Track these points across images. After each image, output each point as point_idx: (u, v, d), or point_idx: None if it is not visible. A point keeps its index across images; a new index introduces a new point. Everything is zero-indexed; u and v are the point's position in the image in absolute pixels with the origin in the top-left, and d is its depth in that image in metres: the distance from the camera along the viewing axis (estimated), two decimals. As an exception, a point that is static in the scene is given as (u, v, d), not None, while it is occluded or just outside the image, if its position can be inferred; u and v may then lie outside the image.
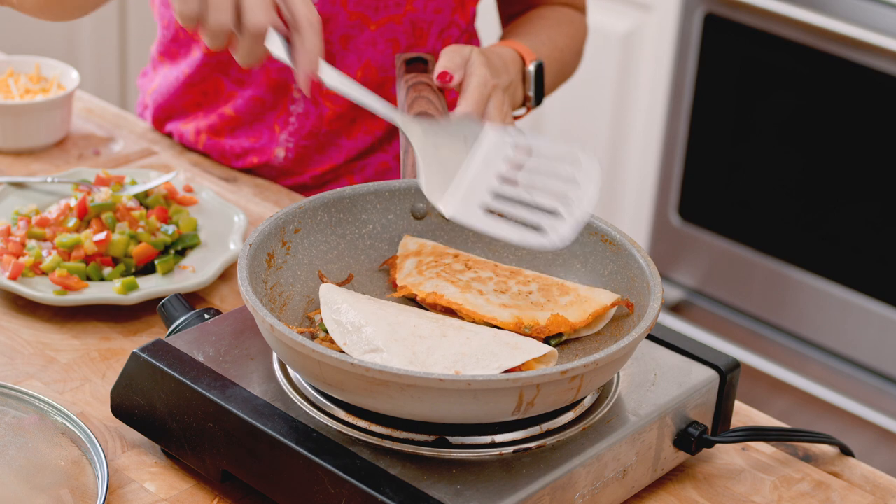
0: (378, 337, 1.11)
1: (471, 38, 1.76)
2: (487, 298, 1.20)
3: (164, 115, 1.78)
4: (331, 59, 1.65)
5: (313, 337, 1.17)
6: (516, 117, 1.63)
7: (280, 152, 1.71)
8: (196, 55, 1.71)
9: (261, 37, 1.17)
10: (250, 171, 1.73)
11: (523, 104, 1.60)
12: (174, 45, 1.74)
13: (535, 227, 1.16)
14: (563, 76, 1.74)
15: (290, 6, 1.17)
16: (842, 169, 2.71)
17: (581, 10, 1.79)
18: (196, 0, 1.15)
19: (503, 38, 1.71)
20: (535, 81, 1.57)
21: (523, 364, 1.10)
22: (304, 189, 1.74)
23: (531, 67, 1.56)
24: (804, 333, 2.86)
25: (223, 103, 1.73)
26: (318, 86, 1.66)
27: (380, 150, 1.73)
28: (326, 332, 1.16)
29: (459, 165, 1.21)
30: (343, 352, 1.11)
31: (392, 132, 1.72)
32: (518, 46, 1.59)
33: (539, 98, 1.59)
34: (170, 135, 1.78)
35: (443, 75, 1.45)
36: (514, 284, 1.22)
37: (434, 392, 1.03)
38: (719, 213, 2.92)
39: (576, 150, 1.19)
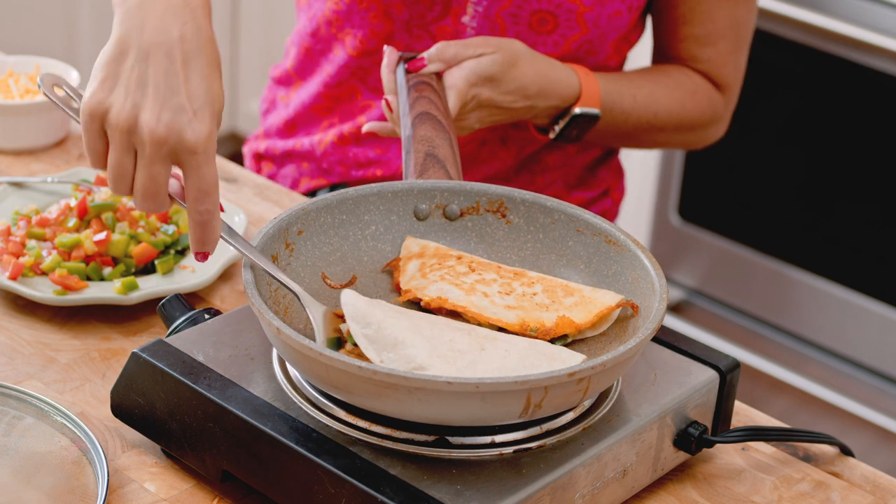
0: (419, 355, 1.09)
1: None
2: (492, 300, 1.20)
3: (289, 129, 1.77)
4: None
5: (341, 345, 1.16)
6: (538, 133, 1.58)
7: None
8: (340, 55, 1.68)
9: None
10: (370, 182, 1.69)
11: (542, 129, 1.56)
12: (317, 47, 1.71)
13: None
14: (646, 139, 1.63)
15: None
16: (842, 169, 2.71)
17: (721, 85, 1.66)
18: (100, 161, 1.13)
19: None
20: (567, 125, 1.52)
21: None
22: None
23: (577, 111, 1.51)
24: (804, 333, 2.86)
25: (358, 112, 1.70)
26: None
27: (504, 181, 1.71)
28: (355, 344, 1.14)
29: None
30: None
31: (519, 170, 1.70)
32: (589, 82, 1.53)
33: (565, 139, 1.54)
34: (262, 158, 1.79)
35: (417, 62, 1.45)
36: (518, 286, 1.22)
37: (442, 395, 1.03)
38: (719, 213, 2.92)
39: None
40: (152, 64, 1.11)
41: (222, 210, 1.16)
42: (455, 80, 1.45)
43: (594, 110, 1.53)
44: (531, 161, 1.71)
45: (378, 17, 1.62)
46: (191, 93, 1.11)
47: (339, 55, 1.68)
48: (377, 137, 1.70)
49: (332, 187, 1.74)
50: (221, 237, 1.15)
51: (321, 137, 1.74)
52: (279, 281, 1.16)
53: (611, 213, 1.81)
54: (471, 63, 1.46)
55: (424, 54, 1.47)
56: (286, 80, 1.79)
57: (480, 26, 1.59)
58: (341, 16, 1.65)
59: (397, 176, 1.70)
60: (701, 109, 1.64)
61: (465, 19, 1.59)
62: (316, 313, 1.15)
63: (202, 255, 1.14)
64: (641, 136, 1.62)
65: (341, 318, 1.17)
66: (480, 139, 1.67)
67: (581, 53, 1.61)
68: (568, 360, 1.11)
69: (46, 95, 1.19)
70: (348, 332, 1.15)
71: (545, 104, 1.51)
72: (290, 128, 1.78)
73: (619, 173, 1.82)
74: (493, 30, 1.59)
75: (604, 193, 1.79)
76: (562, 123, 1.53)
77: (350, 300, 1.13)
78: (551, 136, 1.55)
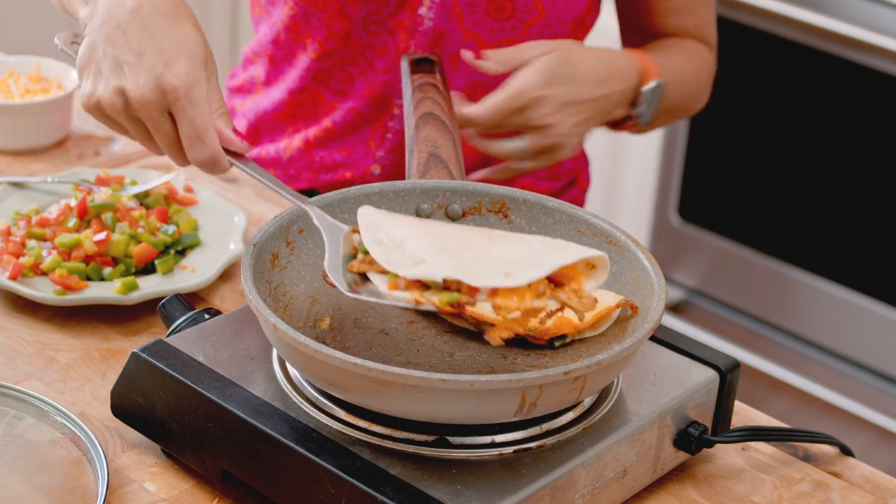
0: (422, 249, 1.09)
1: None
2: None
3: (251, 138, 1.77)
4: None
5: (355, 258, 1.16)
6: (620, 126, 1.60)
7: (376, 169, 1.69)
8: (302, 59, 1.68)
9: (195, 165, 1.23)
10: (340, 185, 1.70)
11: (623, 121, 1.56)
12: (279, 55, 1.72)
13: None
14: (683, 108, 1.67)
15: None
16: (842, 169, 2.71)
17: (710, 46, 1.72)
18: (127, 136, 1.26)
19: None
20: (648, 101, 1.52)
21: (560, 318, 1.10)
22: None
23: (649, 86, 1.52)
24: (804, 333, 2.86)
25: (323, 115, 1.70)
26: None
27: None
28: (366, 252, 1.14)
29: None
30: (387, 272, 1.10)
31: (487, 162, 1.71)
32: (644, 59, 1.54)
33: (646, 121, 1.55)
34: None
35: (478, 54, 1.47)
36: None
37: (436, 392, 1.03)
38: (719, 213, 2.92)
39: None
40: (116, 44, 1.21)
41: (240, 140, 1.22)
42: (528, 80, 1.46)
43: (658, 81, 1.54)
44: None
45: (334, 17, 1.62)
46: (158, 49, 1.20)
47: (301, 60, 1.68)
48: (343, 140, 1.70)
49: (301, 193, 1.74)
50: (233, 164, 1.22)
51: (287, 144, 1.73)
52: (291, 199, 1.19)
53: (578, 203, 1.82)
54: (540, 62, 1.47)
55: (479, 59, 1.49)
56: (244, 89, 1.80)
57: (438, 17, 1.60)
58: (298, 20, 1.65)
59: (366, 177, 1.70)
60: (708, 70, 1.70)
61: (423, 11, 1.60)
62: (332, 235, 1.16)
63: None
64: (680, 105, 1.65)
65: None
66: None
67: (544, 38, 1.63)
68: (581, 251, 1.09)
69: (64, 51, 1.29)
70: (360, 241, 1.15)
71: (620, 87, 1.52)
72: (253, 136, 1.77)
73: (584, 162, 1.83)
74: (451, 19, 1.60)
75: (570, 183, 1.80)
76: (642, 104, 1.53)
77: (366, 212, 1.16)
78: (637, 119, 1.55)
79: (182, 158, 1.23)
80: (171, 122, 1.21)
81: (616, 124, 1.60)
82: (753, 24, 2.73)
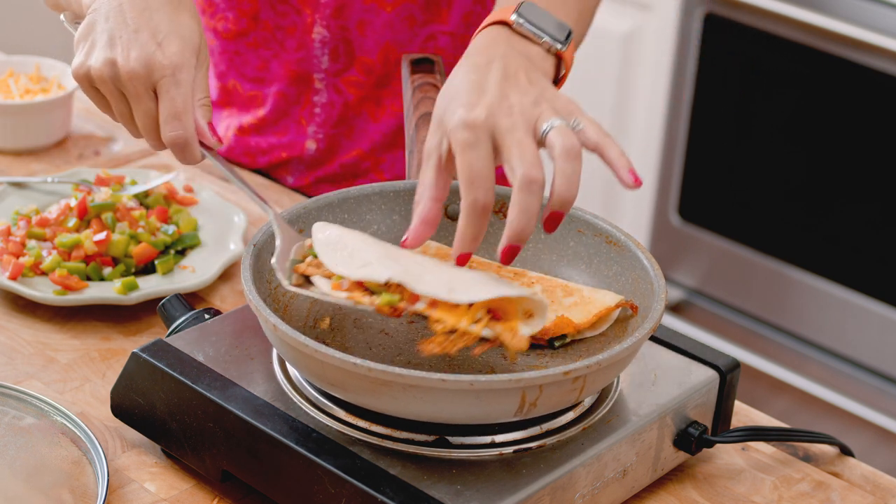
0: (372, 256, 1.09)
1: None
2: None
3: None
4: (349, 45, 1.64)
5: (305, 282, 1.14)
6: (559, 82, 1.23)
7: (311, 145, 1.71)
8: (216, 44, 1.71)
9: (168, 149, 1.25)
10: (275, 166, 1.73)
11: (557, 64, 1.22)
12: None
13: None
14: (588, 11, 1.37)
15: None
16: (842, 169, 2.71)
17: None
18: (111, 114, 1.28)
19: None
20: (531, 23, 1.20)
21: (509, 309, 1.08)
22: (332, 180, 1.73)
23: (513, 17, 1.20)
24: (804, 333, 2.86)
25: (250, 104, 1.72)
26: (339, 73, 1.66)
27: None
28: (315, 256, 1.14)
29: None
30: (333, 275, 1.10)
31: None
32: (493, 14, 1.23)
33: (556, 32, 1.20)
34: None
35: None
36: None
37: (436, 392, 1.03)
38: (719, 213, 2.92)
39: None
40: (114, 21, 1.25)
41: (212, 134, 1.25)
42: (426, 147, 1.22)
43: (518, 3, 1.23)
44: None
45: None
46: (154, 29, 1.24)
47: (215, 45, 1.71)
48: (276, 124, 1.72)
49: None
50: (206, 155, 1.25)
51: (223, 133, 1.76)
52: (256, 199, 1.20)
53: None
54: (438, 116, 1.21)
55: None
56: None
57: None
58: (208, 1, 1.68)
59: (302, 155, 1.72)
60: None
61: None
62: (286, 238, 1.16)
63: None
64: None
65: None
66: (375, 97, 1.69)
67: None
68: (521, 290, 1.07)
69: (68, 27, 1.33)
70: (310, 245, 1.15)
71: (503, 49, 1.19)
72: None
73: None
74: None
75: None
76: (535, 31, 1.21)
77: (319, 225, 1.16)
78: (556, 47, 1.21)
79: (157, 140, 1.25)
80: (154, 102, 1.24)
81: (556, 77, 1.25)
82: (753, 24, 2.73)
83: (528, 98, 1.12)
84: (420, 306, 1.06)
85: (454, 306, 1.06)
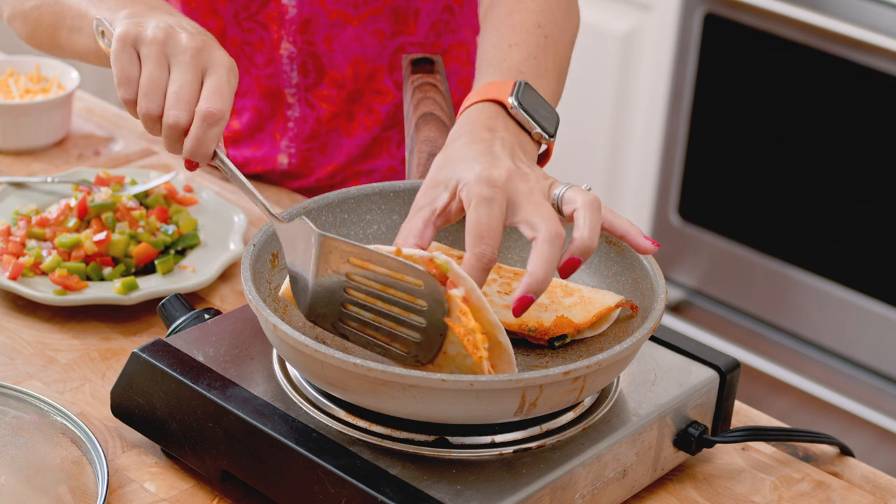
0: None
1: (468, 18, 1.70)
2: (492, 300, 1.20)
3: None
4: (318, 60, 1.64)
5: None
6: (542, 162, 1.27)
7: (283, 159, 1.71)
8: None
9: (176, 130, 1.19)
10: (252, 179, 1.73)
11: (539, 150, 1.26)
12: None
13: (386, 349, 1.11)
14: (562, 53, 1.39)
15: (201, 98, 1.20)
16: (842, 169, 2.71)
17: None
18: (132, 86, 1.21)
19: (475, 74, 1.39)
20: (526, 111, 1.23)
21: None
22: (309, 192, 1.73)
23: (511, 100, 1.23)
24: (804, 333, 2.86)
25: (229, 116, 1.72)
26: (310, 88, 1.66)
27: (386, 153, 1.72)
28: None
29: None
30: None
31: (392, 129, 1.71)
32: (487, 89, 1.25)
33: (549, 118, 1.25)
34: None
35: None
36: (518, 286, 1.21)
37: (436, 392, 1.03)
38: (719, 213, 2.92)
39: (415, 270, 1.07)
40: (160, 14, 1.23)
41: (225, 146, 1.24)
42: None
43: (518, 84, 1.25)
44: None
45: (207, 15, 1.64)
46: (205, 33, 1.22)
47: None
48: (252, 138, 1.72)
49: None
50: (217, 154, 1.19)
51: None
52: (254, 196, 1.16)
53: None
54: (437, 177, 1.19)
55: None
56: None
57: (300, 3, 1.61)
58: None
59: (275, 169, 1.72)
60: (559, 11, 1.43)
61: (285, 0, 1.61)
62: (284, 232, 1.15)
63: (189, 164, 1.20)
64: (560, 63, 1.39)
65: None
66: (347, 112, 1.69)
67: (411, 0, 1.62)
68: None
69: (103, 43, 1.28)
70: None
71: (501, 133, 1.22)
72: None
73: None
74: (313, 4, 1.61)
75: None
76: (527, 121, 1.24)
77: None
78: (544, 137, 1.25)
79: (186, 111, 1.19)
80: (198, 81, 1.19)
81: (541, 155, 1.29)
82: (753, 24, 2.73)
83: (537, 172, 1.17)
84: (457, 293, 1.06)
85: (484, 309, 1.07)
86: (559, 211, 1.15)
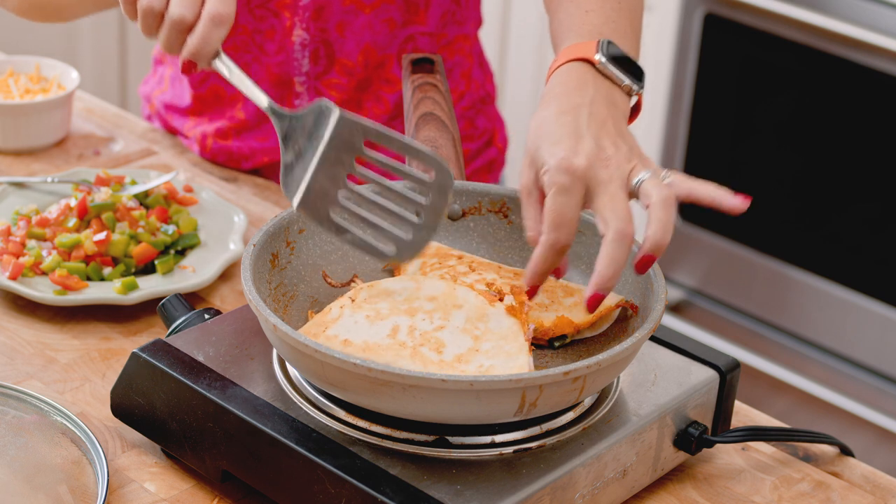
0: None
1: (472, 11, 1.70)
2: (490, 299, 1.20)
3: (171, 118, 1.78)
4: (329, 47, 1.64)
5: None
6: (632, 117, 1.26)
7: None
8: None
9: (180, 26, 1.19)
10: (258, 170, 1.73)
11: (631, 103, 1.25)
12: None
13: (383, 238, 1.14)
14: (636, 15, 1.37)
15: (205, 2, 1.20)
16: (842, 169, 2.71)
17: None
18: None
19: (554, 44, 1.38)
20: (618, 64, 1.22)
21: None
22: None
23: (598, 57, 1.22)
24: (804, 333, 2.86)
25: (229, 107, 1.72)
26: (319, 76, 1.66)
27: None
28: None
29: (312, 159, 1.16)
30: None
31: (399, 118, 1.71)
32: (572, 50, 1.25)
33: (636, 72, 1.24)
34: (175, 131, 1.78)
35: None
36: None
37: (436, 392, 1.03)
38: (719, 214, 2.91)
39: (430, 156, 1.12)
40: None
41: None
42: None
43: (603, 42, 1.26)
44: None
45: None
46: None
47: None
48: (258, 128, 1.71)
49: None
50: (221, 58, 1.20)
51: (202, 133, 1.74)
52: (256, 94, 1.18)
53: (497, 163, 1.81)
54: (531, 153, 1.20)
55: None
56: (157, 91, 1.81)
57: None
58: None
59: None
60: None
61: None
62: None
63: (188, 65, 1.21)
64: (631, 19, 1.37)
65: None
66: (356, 100, 1.69)
67: None
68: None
69: None
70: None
71: (590, 92, 1.24)
72: (171, 132, 1.79)
73: (500, 122, 1.82)
74: None
75: (487, 143, 1.79)
76: (617, 73, 1.23)
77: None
78: (635, 89, 1.25)
79: (191, 8, 1.18)
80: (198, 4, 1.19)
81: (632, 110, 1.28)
82: (753, 24, 2.73)
83: (621, 152, 1.16)
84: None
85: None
86: (637, 197, 1.16)
